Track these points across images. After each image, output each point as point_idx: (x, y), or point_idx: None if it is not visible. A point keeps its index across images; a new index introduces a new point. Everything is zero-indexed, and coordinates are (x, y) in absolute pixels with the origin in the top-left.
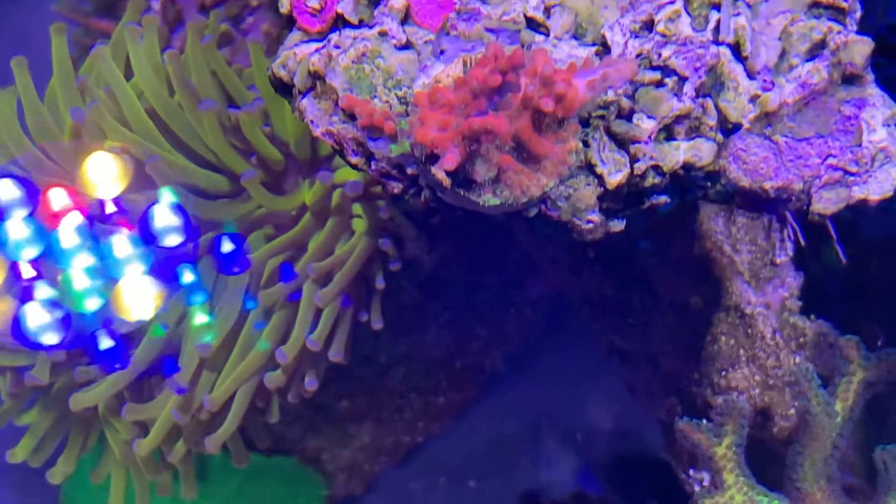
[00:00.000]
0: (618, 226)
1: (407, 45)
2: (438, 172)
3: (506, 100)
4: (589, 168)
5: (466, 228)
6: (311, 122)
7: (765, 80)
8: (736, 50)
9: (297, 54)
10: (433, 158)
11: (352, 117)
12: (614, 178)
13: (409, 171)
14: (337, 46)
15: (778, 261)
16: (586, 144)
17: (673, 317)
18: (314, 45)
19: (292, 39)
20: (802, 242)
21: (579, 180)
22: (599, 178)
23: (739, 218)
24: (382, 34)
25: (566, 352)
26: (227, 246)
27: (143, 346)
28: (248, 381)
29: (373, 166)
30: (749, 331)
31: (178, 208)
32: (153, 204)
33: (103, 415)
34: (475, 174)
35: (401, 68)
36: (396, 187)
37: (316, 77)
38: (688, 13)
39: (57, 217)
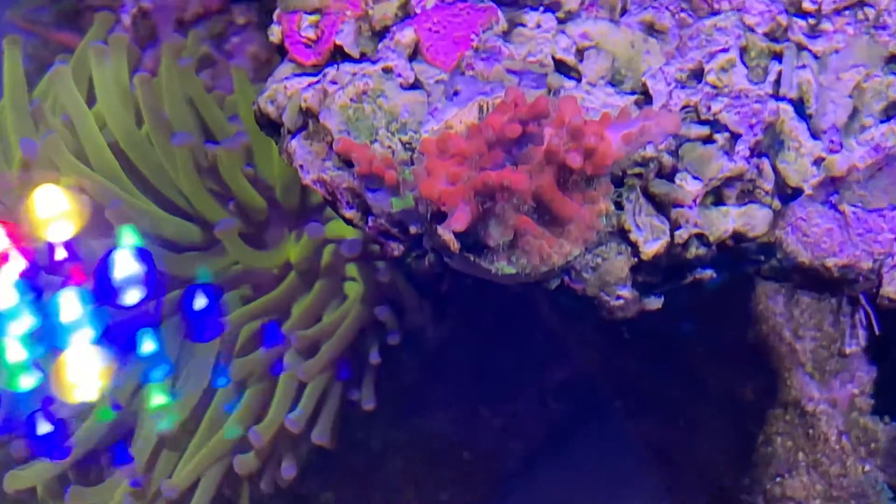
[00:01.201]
0: (654, 303)
1: (415, 85)
2: (445, 233)
3: (526, 152)
4: (622, 234)
5: (480, 298)
6: (301, 167)
7: (832, 141)
8: (799, 107)
9: (288, 88)
10: (440, 216)
11: (348, 164)
12: (651, 248)
13: (413, 229)
14: (334, 82)
15: (847, 351)
16: (619, 207)
17: (721, 412)
18: (308, 80)
19: (283, 72)
20: (877, 330)
21: (610, 249)
22: (633, 246)
23: (803, 298)
24: (387, 70)
25: (595, 449)
26: (200, 301)
27: (85, 430)
28: (215, 465)
29: (370, 223)
30: (810, 432)
31: (143, 255)
32: (112, 250)
33: (42, 499)
34: (488, 237)
35: (407, 110)
36: (397, 249)
37: (308, 115)
38: (743, 63)
39: None
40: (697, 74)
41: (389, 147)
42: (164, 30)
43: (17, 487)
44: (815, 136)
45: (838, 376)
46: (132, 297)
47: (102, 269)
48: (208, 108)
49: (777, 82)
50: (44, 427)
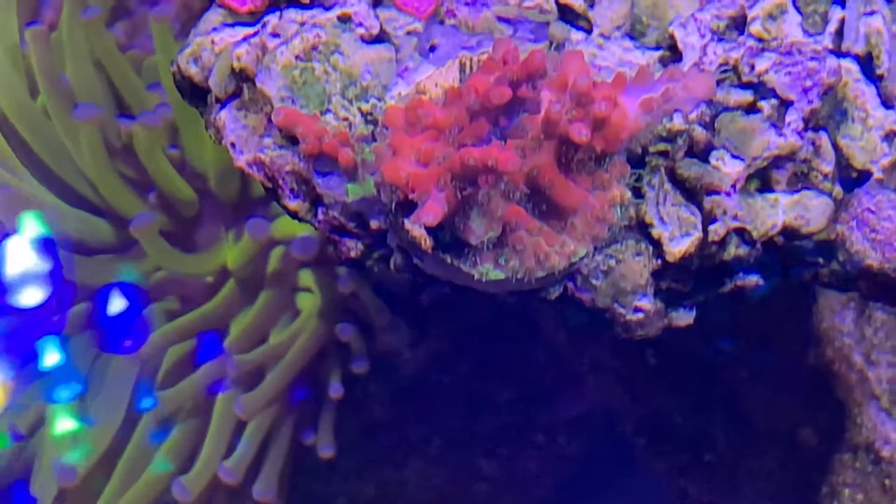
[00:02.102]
0: (684, 318)
1: (380, 38)
2: (415, 228)
3: (519, 124)
4: (641, 230)
5: (470, 312)
6: (232, 145)
7: None
8: (867, 65)
9: (217, 43)
10: (408, 207)
11: (292, 140)
12: (678, 247)
13: (374, 224)
14: (275, 34)
15: None
16: (639, 194)
17: (772, 456)
18: (242, 31)
19: (211, 21)
20: None
21: (626, 247)
22: (656, 244)
23: (878, 314)
24: (344, 19)
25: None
26: (116, 304)
27: None
28: None
29: (320, 215)
30: (887, 482)
31: (46, 246)
32: (7, 236)
33: None
34: (469, 233)
35: (369, 70)
36: (354, 248)
37: (242, 78)
38: (797, 9)
39: None
40: (739, 24)
41: (346, 119)
42: None
43: None
44: (886, 103)
45: None
46: (31, 297)
47: None
48: (122, 73)
49: (839, 33)
50: None
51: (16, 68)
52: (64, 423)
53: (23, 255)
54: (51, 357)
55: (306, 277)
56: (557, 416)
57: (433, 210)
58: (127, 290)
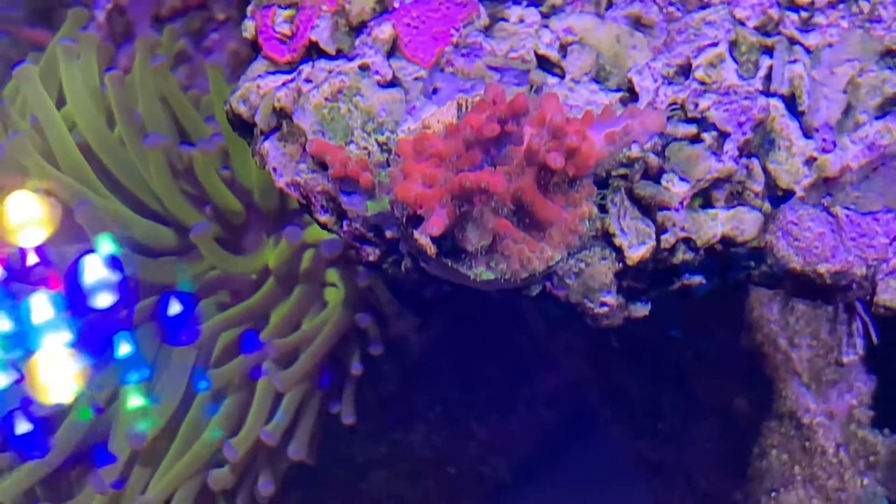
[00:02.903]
0: (641, 310)
1: (393, 83)
2: (422, 238)
3: (506, 153)
4: (606, 238)
5: (466, 305)
6: (274, 169)
7: (825, 140)
8: (791, 103)
9: (261, 87)
10: (416, 220)
11: (322, 166)
12: (636, 252)
13: (389, 234)
14: (308, 80)
15: (845, 360)
16: (603, 210)
17: (713, 423)
18: (282, 78)
19: (256, 69)
20: (875, 339)
21: (593, 253)
22: (618, 251)
23: (799, 306)
24: (363, 68)
25: (586, 460)
26: (174, 307)
27: (65, 429)
28: (191, 480)
29: (345, 227)
30: (807, 444)
31: (114, 262)
32: (84, 254)
33: None
34: (466, 242)
35: (384, 109)
36: (373, 253)
37: (282, 115)
38: (733, 58)
39: None
40: (685, 70)
41: (365, 148)
42: (140, 26)
43: None
44: (807, 134)
45: (836, 387)
46: (102, 301)
47: (72, 274)
48: (183, 108)
49: (768, 77)
50: (22, 426)
51: (96, 106)
52: (134, 400)
53: (94, 269)
54: (124, 348)
55: (332, 275)
56: (537, 389)
57: (437, 223)
58: (183, 297)
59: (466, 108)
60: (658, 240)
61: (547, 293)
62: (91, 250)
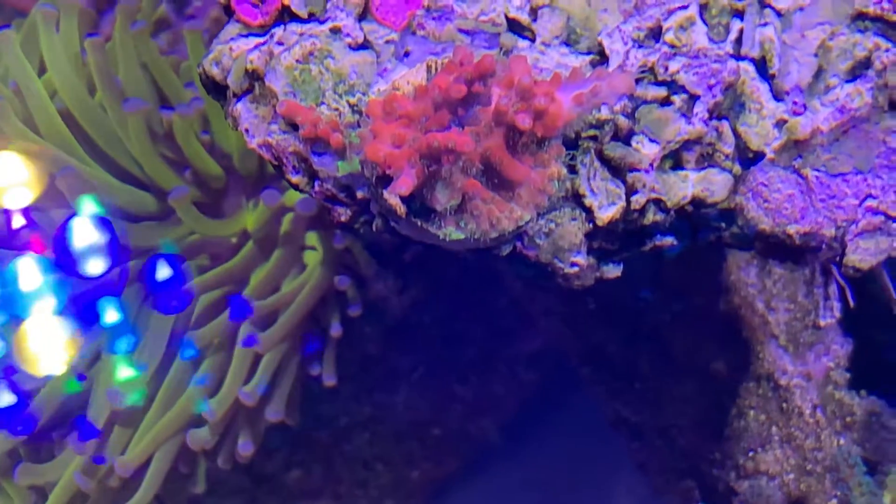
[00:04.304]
0: (613, 271)
1: (364, 45)
2: (391, 197)
3: (475, 114)
4: (576, 199)
5: (446, 266)
6: (246, 130)
7: (795, 103)
8: (761, 66)
9: (234, 50)
10: (385, 180)
11: (294, 127)
12: (606, 213)
13: (360, 194)
14: (280, 43)
15: (822, 323)
16: (573, 171)
17: (691, 384)
18: (254, 41)
19: (229, 32)
20: (851, 302)
21: (563, 214)
22: (588, 211)
23: (776, 269)
24: (335, 31)
25: (567, 421)
26: (163, 272)
27: (46, 394)
28: (170, 442)
29: (316, 187)
30: (784, 405)
31: (104, 223)
32: (71, 217)
33: None
34: (435, 201)
35: (355, 71)
36: (344, 214)
37: (254, 77)
38: (703, 21)
39: None
40: (656, 34)
41: (336, 109)
42: None
43: None
44: (777, 97)
45: (813, 349)
46: (94, 266)
47: (61, 238)
48: (163, 74)
49: (738, 41)
50: (5, 398)
51: (77, 73)
52: (124, 371)
53: (85, 232)
54: (111, 315)
55: (311, 238)
56: (519, 350)
57: (405, 183)
58: (171, 260)
59: (436, 69)
60: (628, 201)
61: (517, 253)
62: (77, 214)
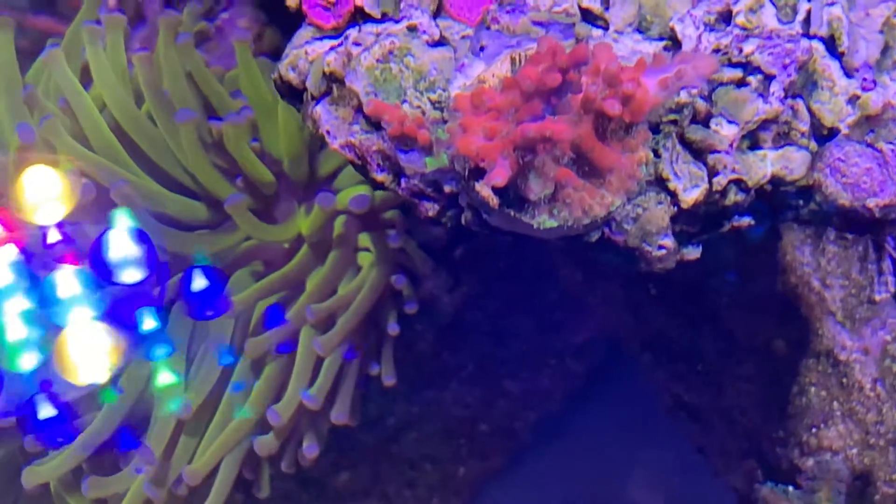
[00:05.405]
0: (693, 253)
1: (441, 42)
2: (484, 189)
3: (565, 102)
4: (660, 183)
5: (495, 262)
6: (328, 132)
7: (865, 79)
8: (830, 45)
9: (310, 53)
10: (478, 173)
11: (376, 126)
12: (690, 195)
13: (447, 188)
14: (357, 44)
15: (877, 298)
16: (656, 155)
17: (752, 364)
18: (329, 43)
19: (302, 37)
20: None
21: (649, 198)
22: (672, 195)
23: (830, 247)
24: (411, 29)
25: (616, 410)
26: (199, 282)
27: (102, 417)
28: (236, 448)
29: (403, 184)
30: (844, 381)
31: (140, 235)
32: (108, 230)
33: (56, 492)
34: (529, 191)
35: (434, 67)
36: (431, 209)
37: (332, 80)
38: (772, 3)
39: None
40: (725, 17)
41: (419, 107)
42: (151, 8)
43: (36, 483)
44: (848, 74)
45: (869, 324)
46: (129, 276)
47: (96, 251)
48: (210, 84)
49: (807, 21)
50: (46, 411)
51: (125, 86)
52: (164, 377)
53: (121, 242)
54: (148, 323)
55: (364, 239)
56: (567, 342)
57: (501, 174)
58: (206, 271)
59: (520, 62)
60: (710, 182)
61: (605, 239)
62: (114, 227)
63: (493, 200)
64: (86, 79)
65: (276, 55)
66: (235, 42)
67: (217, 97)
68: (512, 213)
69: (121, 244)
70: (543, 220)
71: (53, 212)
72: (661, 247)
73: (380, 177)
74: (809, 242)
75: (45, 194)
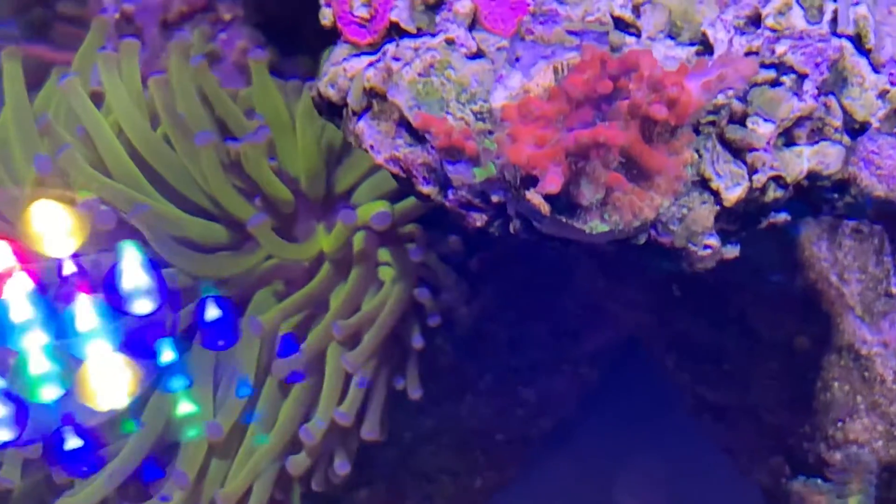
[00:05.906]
0: (732, 251)
1: (478, 54)
2: (535, 197)
3: (614, 108)
4: (703, 183)
5: (513, 272)
6: (371, 147)
7: (892, 74)
8: (857, 42)
9: (348, 70)
10: (529, 181)
11: (420, 139)
12: (733, 194)
13: (495, 198)
14: (396, 58)
15: (894, 290)
16: (698, 155)
17: (776, 361)
18: (367, 59)
19: (339, 54)
20: None
21: (693, 198)
22: (715, 194)
23: (846, 241)
24: (449, 42)
25: (632, 414)
26: (211, 312)
27: (127, 449)
28: (268, 469)
29: (450, 196)
30: (866, 374)
31: (151, 266)
32: (119, 261)
33: None
34: (581, 197)
35: (475, 79)
36: (479, 219)
37: (373, 95)
38: (799, 5)
39: None
40: (754, 20)
41: (462, 118)
42: (150, 32)
43: None
44: (875, 69)
45: (887, 317)
46: (142, 307)
47: (109, 283)
48: (225, 105)
49: (834, 21)
50: (72, 442)
51: (141, 111)
52: (184, 407)
53: (133, 273)
54: (167, 354)
55: (384, 254)
56: (582, 349)
57: (554, 181)
58: (218, 301)
59: (563, 71)
60: (750, 180)
61: (651, 241)
62: (124, 258)
63: (545, 207)
64: (96, 105)
65: (274, 73)
66: (252, 61)
67: (233, 118)
68: (563, 220)
69: (132, 275)
70: (595, 225)
71: (66, 244)
72: (706, 246)
73: (426, 189)
74: (826, 237)
75: (58, 227)
